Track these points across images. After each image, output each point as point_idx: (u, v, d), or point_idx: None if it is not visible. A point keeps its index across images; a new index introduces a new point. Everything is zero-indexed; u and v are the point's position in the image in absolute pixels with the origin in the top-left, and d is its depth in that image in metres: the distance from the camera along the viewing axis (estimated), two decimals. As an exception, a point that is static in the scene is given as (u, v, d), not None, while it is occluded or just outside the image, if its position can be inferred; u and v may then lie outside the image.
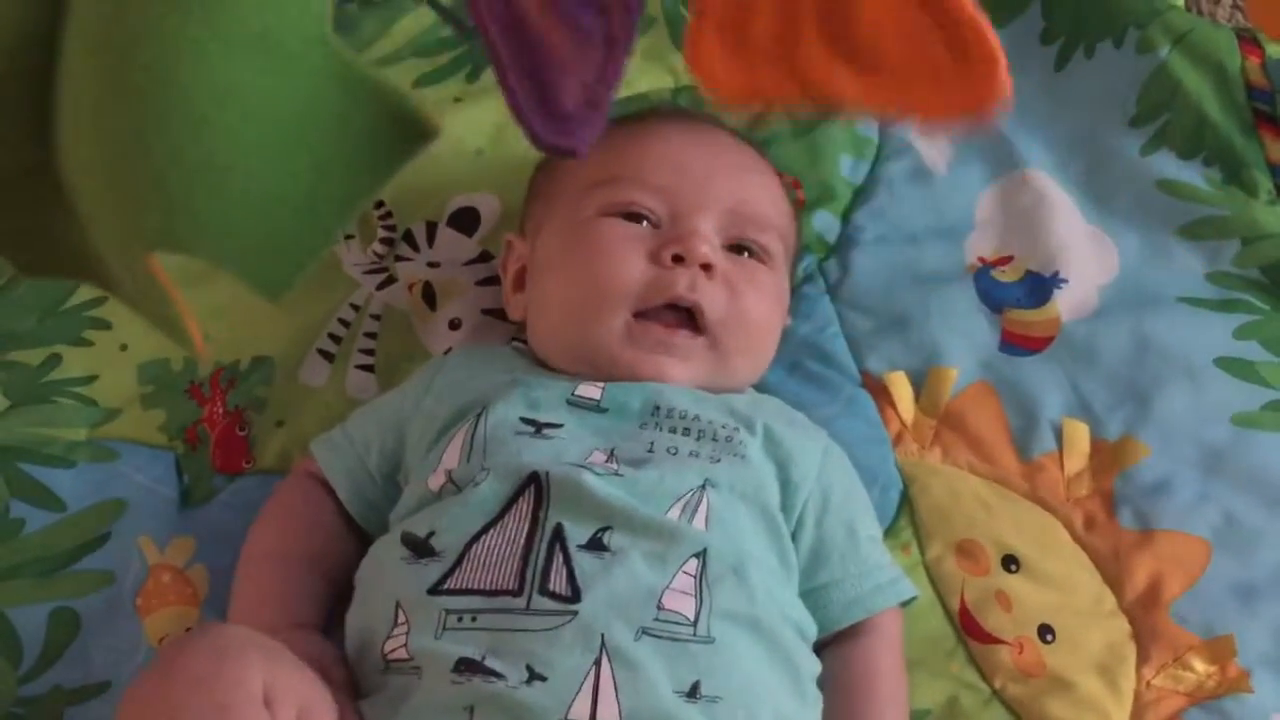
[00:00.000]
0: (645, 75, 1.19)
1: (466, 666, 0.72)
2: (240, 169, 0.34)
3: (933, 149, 1.15)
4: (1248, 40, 1.14)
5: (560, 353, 0.90)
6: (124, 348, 1.02)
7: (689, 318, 0.88)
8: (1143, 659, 0.90)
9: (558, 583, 0.74)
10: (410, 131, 0.35)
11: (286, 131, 0.34)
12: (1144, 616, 0.91)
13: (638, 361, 0.87)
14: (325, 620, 0.85)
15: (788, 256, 0.97)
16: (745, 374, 0.94)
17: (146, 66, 0.31)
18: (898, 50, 0.54)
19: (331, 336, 1.03)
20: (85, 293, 1.03)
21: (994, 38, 0.54)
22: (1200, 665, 0.89)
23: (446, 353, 1.00)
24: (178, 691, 0.66)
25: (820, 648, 0.83)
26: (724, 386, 0.91)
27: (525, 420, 0.84)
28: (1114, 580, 0.93)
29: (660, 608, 0.74)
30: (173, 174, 0.33)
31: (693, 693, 0.72)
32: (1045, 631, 0.91)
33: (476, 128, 1.10)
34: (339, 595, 0.85)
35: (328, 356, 1.02)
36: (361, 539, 0.88)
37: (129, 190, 0.33)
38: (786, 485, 0.85)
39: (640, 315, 0.87)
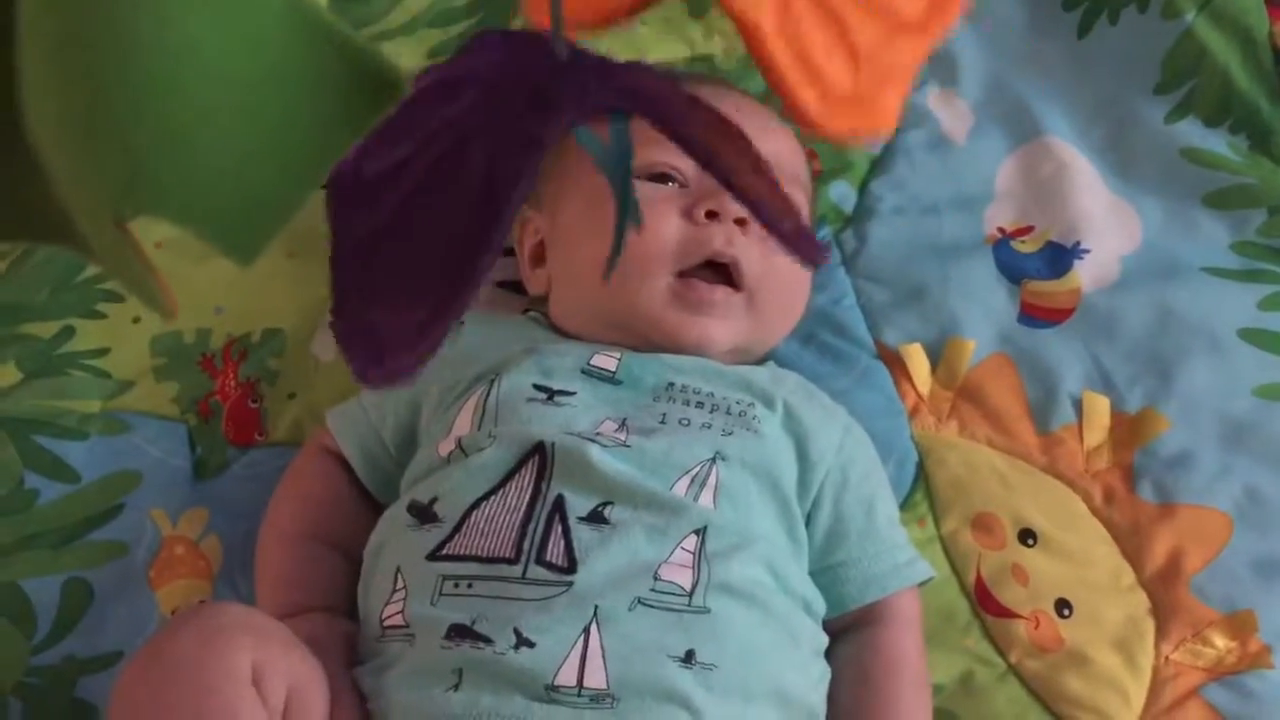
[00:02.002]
0: (661, 45, 1.18)
1: (457, 632, 0.72)
2: (203, 127, 0.33)
3: (952, 117, 1.13)
4: (1275, 5, 1.11)
5: (595, 320, 0.89)
6: (136, 320, 1.02)
7: (726, 276, 0.87)
8: (1162, 634, 0.89)
9: (555, 553, 0.74)
10: (376, 85, 0.34)
11: (249, 88, 0.33)
12: (1163, 591, 0.90)
13: (681, 325, 0.86)
14: (346, 597, 0.85)
15: (810, 211, 0.96)
16: (779, 330, 0.94)
17: (104, 23, 0.30)
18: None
19: (343, 309, 1.03)
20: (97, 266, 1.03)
21: None
22: (1220, 641, 0.88)
23: (460, 323, 0.99)
24: (166, 674, 0.66)
25: (842, 630, 0.83)
26: (759, 345, 0.91)
27: (538, 387, 0.83)
28: (1133, 554, 0.92)
29: (656, 578, 0.74)
30: (134, 134, 0.32)
31: (688, 659, 0.72)
32: (1062, 606, 0.90)
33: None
34: (358, 570, 0.84)
35: (339, 329, 1.02)
36: (377, 511, 0.87)
37: (92, 151, 0.32)
38: (804, 463, 0.84)
39: (681, 275, 0.86)
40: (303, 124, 0.34)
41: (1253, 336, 1.01)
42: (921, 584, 0.86)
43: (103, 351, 1.01)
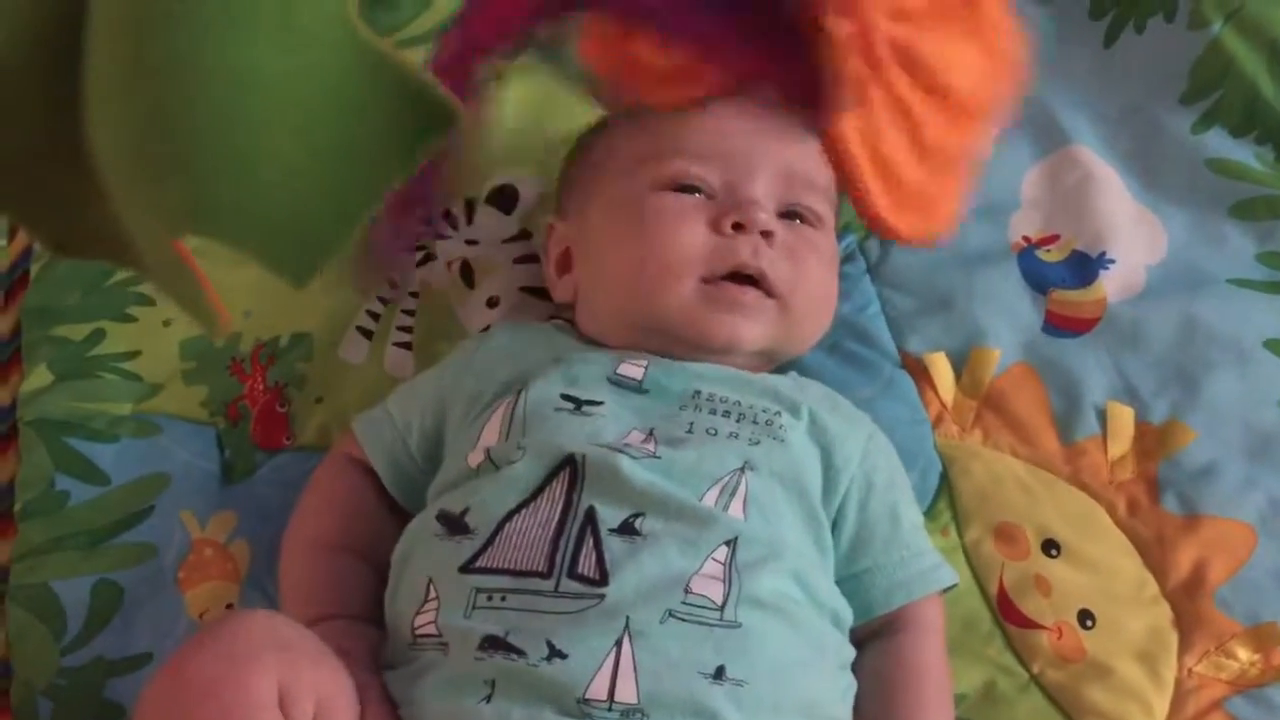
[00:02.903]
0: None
1: (490, 643, 0.72)
2: (262, 152, 0.33)
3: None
4: (1303, 16, 1.11)
5: (623, 326, 0.89)
6: (167, 323, 1.03)
7: (754, 285, 0.87)
8: (1185, 646, 0.89)
9: (587, 566, 0.74)
10: (432, 115, 0.34)
11: (308, 114, 0.33)
12: (1187, 603, 0.90)
13: (712, 323, 0.86)
14: (372, 606, 0.85)
15: (834, 219, 0.97)
16: (810, 338, 0.94)
17: (168, 49, 0.31)
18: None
19: (370, 314, 1.04)
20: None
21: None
22: (1243, 653, 0.88)
23: (485, 330, 1.00)
24: (188, 698, 0.66)
25: (865, 638, 0.83)
26: (788, 351, 0.92)
27: (565, 397, 0.84)
28: (1156, 566, 0.92)
29: (688, 591, 0.74)
30: (195, 157, 0.33)
31: (718, 675, 0.72)
32: (1085, 617, 0.90)
33: (516, 105, 1.10)
34: (384, 579, 0.85)
35: (366, 334, 1.03)
36: (402, 520, 0.87)
37: (152, 173, 0.33)
38: (830, 470, 0.84)
39: (707, 281, 0.86)
40: (359, 151, 0.35)
41: (1279, 348, 1.00)
42: (946, 590, 0.86)
43: (133, 354, 1.02)
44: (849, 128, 0.47)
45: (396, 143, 0.35)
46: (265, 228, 0.36)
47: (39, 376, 1.00)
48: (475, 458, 0.82)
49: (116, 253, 0.35)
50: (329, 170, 0.35)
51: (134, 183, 0.32)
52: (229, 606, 0.91)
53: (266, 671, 0.67)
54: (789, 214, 0.91)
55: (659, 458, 0.79)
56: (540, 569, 0.75)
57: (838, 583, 0.83)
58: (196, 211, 0.34)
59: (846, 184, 0.48)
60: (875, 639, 0.83)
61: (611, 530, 0.76)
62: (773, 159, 0.89)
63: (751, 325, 0.87)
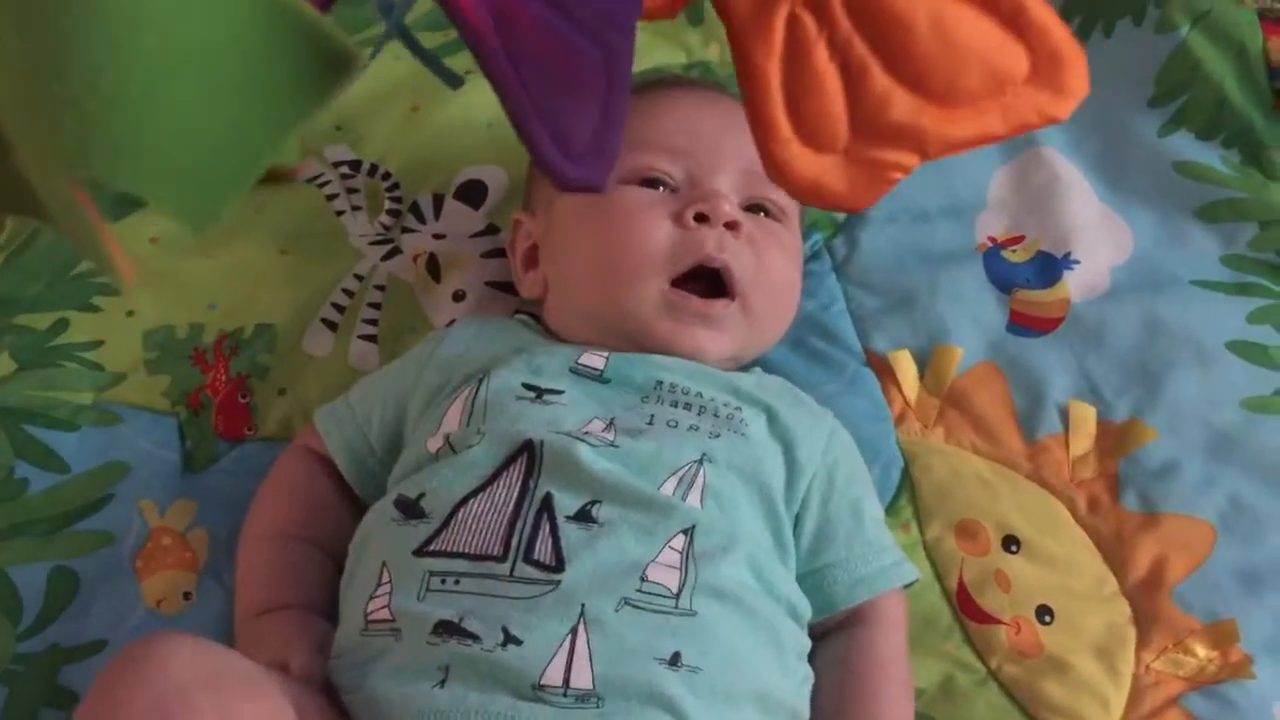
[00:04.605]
0: (657, 51, 1.19)
1: (444, 628, 0.72)
2: (158, 94, 0.33)
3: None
4: (1269, 20, 1.12)
5: (588, 324, 0.90)
6: (130, 314, 1.03)
7: (719, 283, 0.87)
8: (1143, 642, 0.89)
9: (543, 552, 0.74)
10: (332, 61, 0.35)
11: (205, 56, 0.34)
12: (1145, 600, 0.90)
13: (675, 334, 0.86)
14: (329, 596, 0.85)
15: (799, 215, 0.97)
16: (772, 334, 0.94)
17: (60, -13, 0.31)
18: (966, 70, 0.52)
19: (335, 306, 1.04)
20: (93, 258, 1.04)
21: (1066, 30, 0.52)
22: (1201, 650, 0.88)
23: (450, 325, 1.00)
24: None
25: (827, 632, 0.83)
26: (753, 350, 0.92)
27: (526, 386, 0.84)
28: (1116, 563, 0.92)
29: (644, 579, 0.74)
30: (89, 98, 0.33)
31: (674, 661, 0.72)
32: (1044, 612, 0.90)
33: (487, 101, 1.08)
34: (342, 569, 0.84)
35: (331, 326, 1.03)
36: (361, 511, 0.87)
37: (46, 114, 0.33)
38: (792, 466, 0.84)
39: (675, 284, 0.87)
40: (259, 92, 0.35)
41: (1241, 349, 1.01)
42: (908, 586, 0.86)
43: (96, 344, 1.02)
44: (774, 73, 0.47)
45: (296, 87, 0.35)
46: (163, 170, 0.35)
47: (1, 365, 0.99)
48: (435, 443, 0.82)
49: (19, 204, 0.34)
50: (228, 112, 0.35)
51: (26, 125, 0.32)
52: (186, 595, 0.91)
53: (199, 714, 0.63)
54: (753, 207, 0.91)
55: (617, 447, 0.79)
56: (496, 553, 0.74)
57: (801, 578, 0.83)
58: (90, 154, 0.34)
59: (750, 118, 0.48)
60: (837, 632, 0.83)
61: (568, 517, 0.76)
62: (737, 152, 0.90)
63: (717, 336, 0.88)
